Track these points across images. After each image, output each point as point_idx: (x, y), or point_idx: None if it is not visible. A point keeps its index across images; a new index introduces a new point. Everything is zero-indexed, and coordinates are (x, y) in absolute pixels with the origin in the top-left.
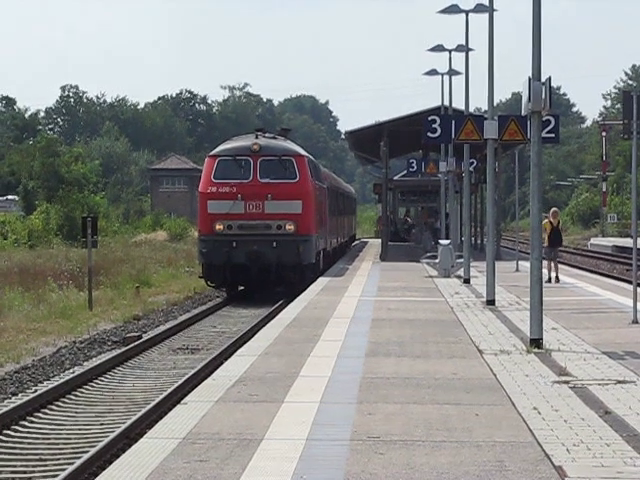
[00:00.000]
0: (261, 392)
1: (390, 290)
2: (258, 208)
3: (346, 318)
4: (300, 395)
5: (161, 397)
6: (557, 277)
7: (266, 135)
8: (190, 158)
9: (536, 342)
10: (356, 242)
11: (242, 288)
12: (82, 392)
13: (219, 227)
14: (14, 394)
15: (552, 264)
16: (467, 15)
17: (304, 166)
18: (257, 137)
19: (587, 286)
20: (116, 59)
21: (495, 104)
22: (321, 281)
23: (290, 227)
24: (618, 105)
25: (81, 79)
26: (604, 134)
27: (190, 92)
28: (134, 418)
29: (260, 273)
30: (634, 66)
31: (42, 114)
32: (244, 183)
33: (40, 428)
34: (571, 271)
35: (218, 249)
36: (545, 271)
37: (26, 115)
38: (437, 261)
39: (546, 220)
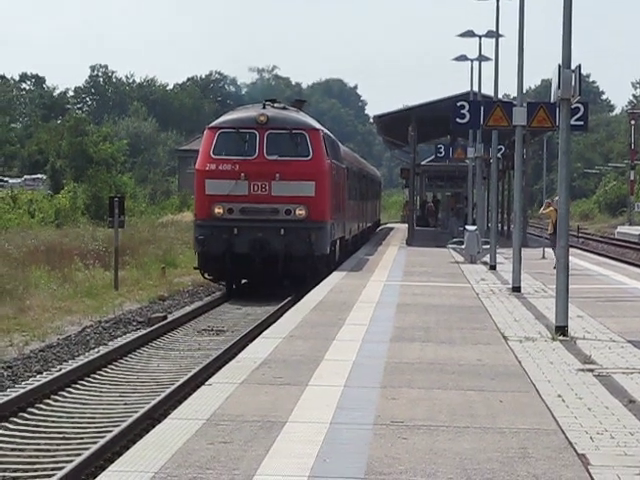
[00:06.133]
0: (285, 375)
1: (416, 275)
2: (264, 189)
3: (371, 302)
4: (324, 378)
5: (185, 378)
6: None
7: (275, 105)
8: None
9: (561, 330)
10: (381, 227)
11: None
12: (107, 372)
13: (218, 211)
14: (39, 372)
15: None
16: (498, 0)
17: (319, 142)
18: (265, 107)
19: (613, 274)
20: (146, 40)
21: (524, 91)
22: (337, 274)
23: (301, 212)
24: None
25: (111, 59)
26: (633, 122)
27: (219, 74)
28: (158, 399)
29: (265, 265)
30: None
31: (71, 93)
32: (248, 160)
33: (64, 407)
34: (597, 259)
35: (217, 236)
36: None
37: (55, 94)
38: (463, 247)
39: (551, 208)
